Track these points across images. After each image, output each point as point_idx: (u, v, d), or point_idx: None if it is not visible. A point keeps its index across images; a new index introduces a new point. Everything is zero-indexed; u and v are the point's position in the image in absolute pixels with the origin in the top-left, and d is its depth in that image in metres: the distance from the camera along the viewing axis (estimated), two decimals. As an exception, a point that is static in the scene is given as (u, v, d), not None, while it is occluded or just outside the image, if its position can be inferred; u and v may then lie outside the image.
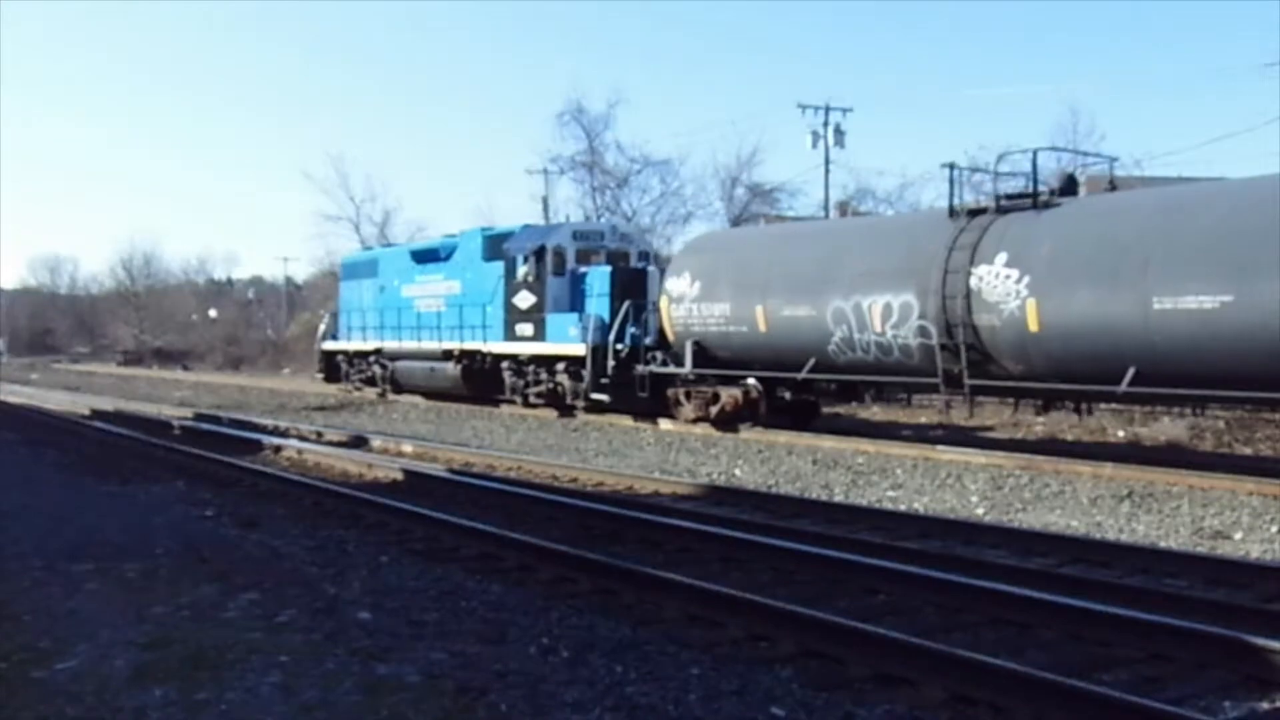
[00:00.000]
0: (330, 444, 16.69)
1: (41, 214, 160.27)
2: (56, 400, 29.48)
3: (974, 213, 14.39)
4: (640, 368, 19.01)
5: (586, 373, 19.75)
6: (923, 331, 14.29)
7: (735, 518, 9.74)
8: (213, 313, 70.96)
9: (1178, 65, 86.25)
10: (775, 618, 6.14)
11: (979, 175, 23.06)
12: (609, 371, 19.46)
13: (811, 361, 16.06)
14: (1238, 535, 9.27)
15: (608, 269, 20.66)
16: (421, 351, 24.80)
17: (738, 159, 42.58)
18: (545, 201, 44.88)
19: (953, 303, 13.73)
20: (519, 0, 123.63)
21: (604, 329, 19.80)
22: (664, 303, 18.63)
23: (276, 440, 16.67)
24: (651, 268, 21.15)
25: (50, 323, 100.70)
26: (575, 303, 20.85)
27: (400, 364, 26.10)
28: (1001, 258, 13.35)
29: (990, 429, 18.17)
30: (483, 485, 11.68)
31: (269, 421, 20.61)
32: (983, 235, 13.77)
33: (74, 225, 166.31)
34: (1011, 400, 16.05)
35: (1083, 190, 14.99)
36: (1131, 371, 12.09)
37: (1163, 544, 8.97)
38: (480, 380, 23.05)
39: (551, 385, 21.18)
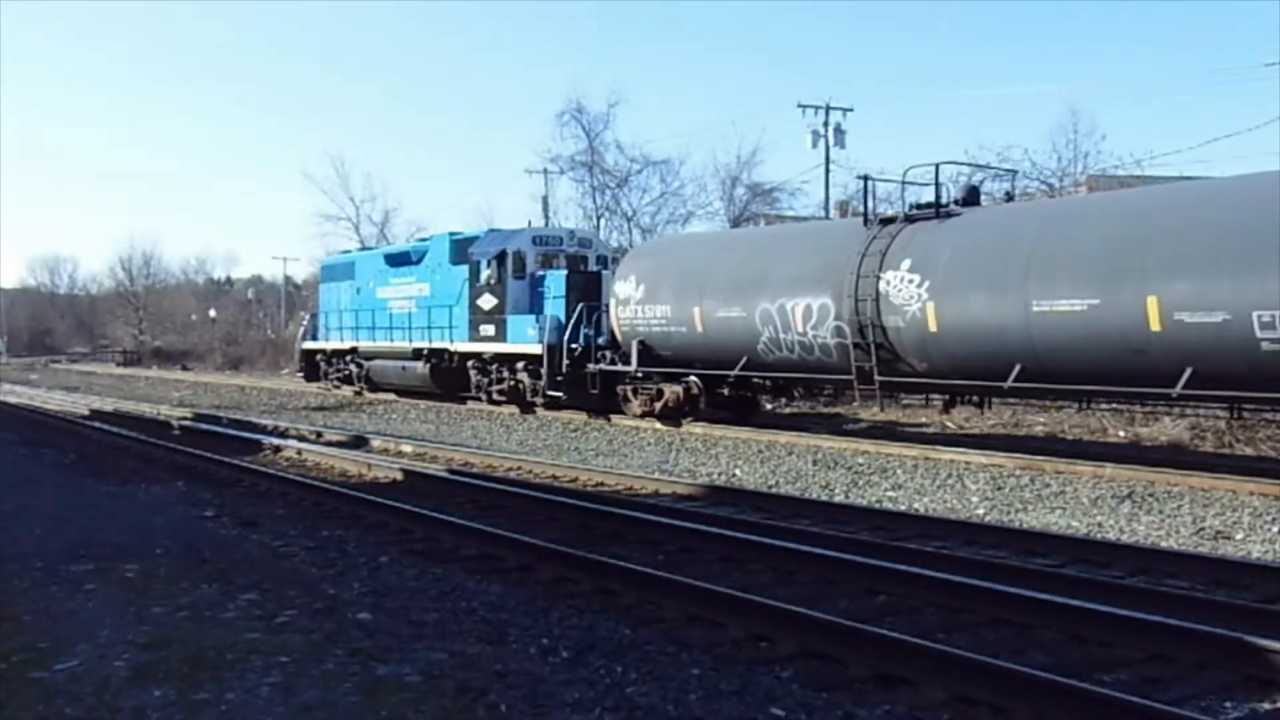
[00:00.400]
0: (330, 444, 16.68)
1: (41, 214, 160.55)
2: (56, 400, 29.47)
3: (885, 221, 15.38)
4: (591, 366, 19.94)
5: (544, 371, 20.61)
6: (839, 332, 15.30)
7: (735, 518, 9.74)
8: (212, 313, 70.90)
9: (1178, 65, 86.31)
10: (776, 618, 6.14)
11: (978, 176, 23.12)
12: (563, 370, 20.30)
13: (744, 360, 17.06)
14: (1239, 535, 9.27)
15: (564, 273, 21.56)
16: (394, 351, 25.82)
17: (738, 159, 42.55)
18: (545, 201, 44.88)
19: (864, 305, 14.76)
20: (519, 0, 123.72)
21: (560, 329, 20.69)
22: (612, 305, 19.56)
23: (276, 440, 16.67)
24: (606, 271, 21.70)
25: (50, 323, 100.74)
26: (534, 304, 21.75)
27: (374, 363, 27.07)
28: (906, 263, 14.38)
29: (978, 432, 18.15)
30: (483, 485, 11.68)
31: (269, 421, 20.60)
32: (891, 243, 14.77)
33: (74, 225, 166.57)
34: (922, 395, 17.38)
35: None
36: (1017, 368, 13.18)
37: (1164, 544, 8.97)
38: (448, 378, 23.99)
39: (513, 383, 22.11)
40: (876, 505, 10.87)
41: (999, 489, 11.69)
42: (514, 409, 21.97)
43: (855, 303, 14.86)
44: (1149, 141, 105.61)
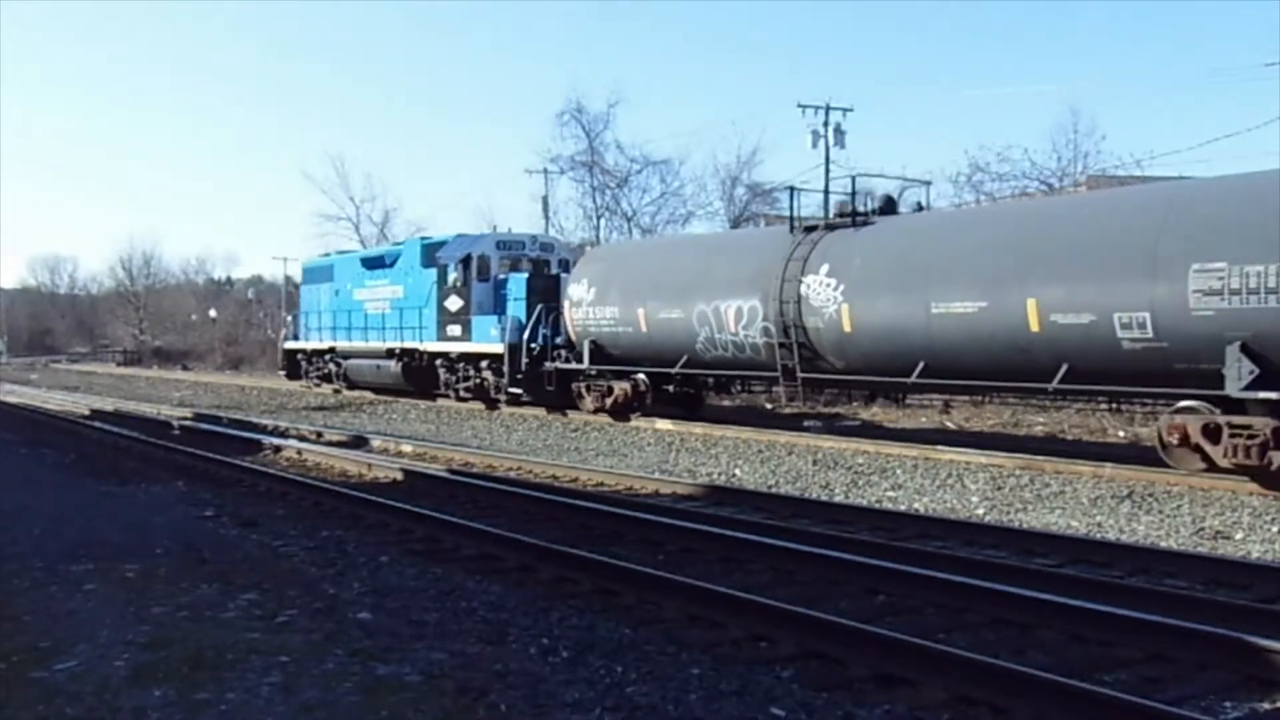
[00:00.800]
0: (330, 444, 16.68)
1: (41, 214, 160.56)
2: (56, 400, 29.47)
3: (809, 229, 16.65)
4: (548, 364, 21.15)
5: (505, 369, 21.78)
6: (766, 331, 16.48)
7: (735, 518, 9.74)
8: (212, 313, 70.91)
9: (1178, 65, 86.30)
10: (776, 618, 6.13)
11: (978, 176, 23.12)
12: (523, 368, 21.51)
13: (684, 358, 18.33)
14: (1239, 535, 9.27)
15: (525, 275, 22.76)
16: (369, 350, 27.02)
17: (738, 159, 42.63)
18: (545, 201, 44.88)
19: (788, 307, 15.95)
20: (519, 0, 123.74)
21: (520, 330, 21.85)
22: (566, 306, 20.73)
23: (276, 440, 16.67)
24: (565, 274, 22.45)
25: (50, 323, 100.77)
26: (497, 306, 22.86)
27: (351, 362, 28.20)
28: (825, 268, 15.57)
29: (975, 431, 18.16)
30: (483, 485, 11.67)
31: (269, 421, 20.60)
32: (812, 249, 15.99)
33: (74, 225, 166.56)
34: (840, 391, 19.29)
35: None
36: (921, 365, 14.34)
37: (1163, 544, 8.97)
38: (419, 376, 25.17)
39: (478, 381, 23.29)
40: (876, 505, 10.87)
41: (999, 489, 11.69)
42: (518, 408, 22.41)
43: (780, 305, 16.03)
44: (1149, 141, 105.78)
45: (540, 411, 21.56)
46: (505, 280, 23.02)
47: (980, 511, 10.52)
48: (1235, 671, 5.39)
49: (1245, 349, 10.97)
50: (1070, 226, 13.21)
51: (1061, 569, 7.79)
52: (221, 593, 6.91)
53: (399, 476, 12.70)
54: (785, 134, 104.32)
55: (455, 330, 23.87)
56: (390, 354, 26.00)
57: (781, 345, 16.17)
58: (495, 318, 22.69)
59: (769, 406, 22.60)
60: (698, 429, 17.76)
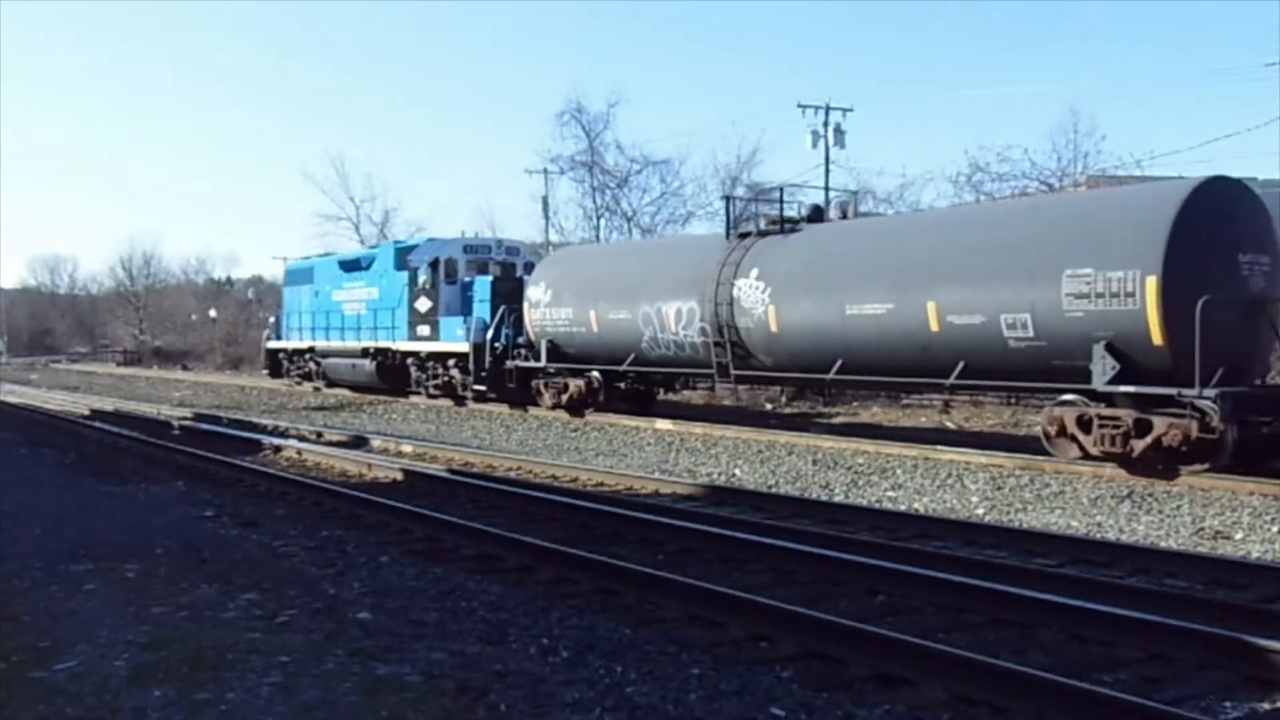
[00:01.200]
0: (330, 444, 16.68)
1: (41, 214, 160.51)
2: (56, 400, 29.47)
3: (743, 235, 17.74)
4: (509, 363, 22.17)
5: (471, 367, 22.82)
6: (703, 331, 17.59)
7: (735, 518, 9.74)
8: (212, 313, 70.82)
9: (1178, 65, 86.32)
10: (776, 618, 6.13)
11: (978, 176, 23.16)
12: (487, 366, 22.48)
13: (632, 356, 19.39)
14: (1238, 535, 9.27)
15: (489, 278, 23.78)
16: (345, 350, 28.07)
17: (738, 159, 42.54)
18: (545, 201, 44.90)
19: (722, 308, 17.05)
20: (519, 0, 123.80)
21: (485, 330, 22.84)
22: (526, 308, 21.75)
23: (276, 440, 16.66)
24: (528, 277, 23.20)
25: (50, 323, 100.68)
26: (464, 307, 23.85)
27: (329, 361, 29.21)
28: (755, 272, 16.65)
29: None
30: (483, 485, 11.67)
31: (269, 421, 20.60)
32: (745, 254, 17.08)
33: (74, 225, 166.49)
34: (771, 386, 20.80)
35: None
36: (839, 362, 15.42)
37: (1163, 544, 8.97)
38: (392, 374, 26.20)
39: (446, 379, 24.24)
40: (876, 505, 10.87)
41: (999, 489, 11.69)
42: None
43: (715, 306, 17.16)
44: (1149, 141, 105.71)
45: (542, 411, 21.61)
46: (471, 283, 23.99)
47: (980, 511, 10.52)
48: (1235, 671, 5.39)
49: (1109, 347, 12.10)
50: (965, 235, 14.43)
51: (1061, 569, 7.79)
52: (221, 593, 6.91)
53: (399, 476, 12.70)
54: (785, 134, 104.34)
55: (425, 330, 24.86)
56: (365, 353, 26.93)
57: (716, 344, 17.28)
58: (461, 318, 23.63)
59: (769, 406, 22.73)
60: (698, 429, 17.77)
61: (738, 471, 13.51)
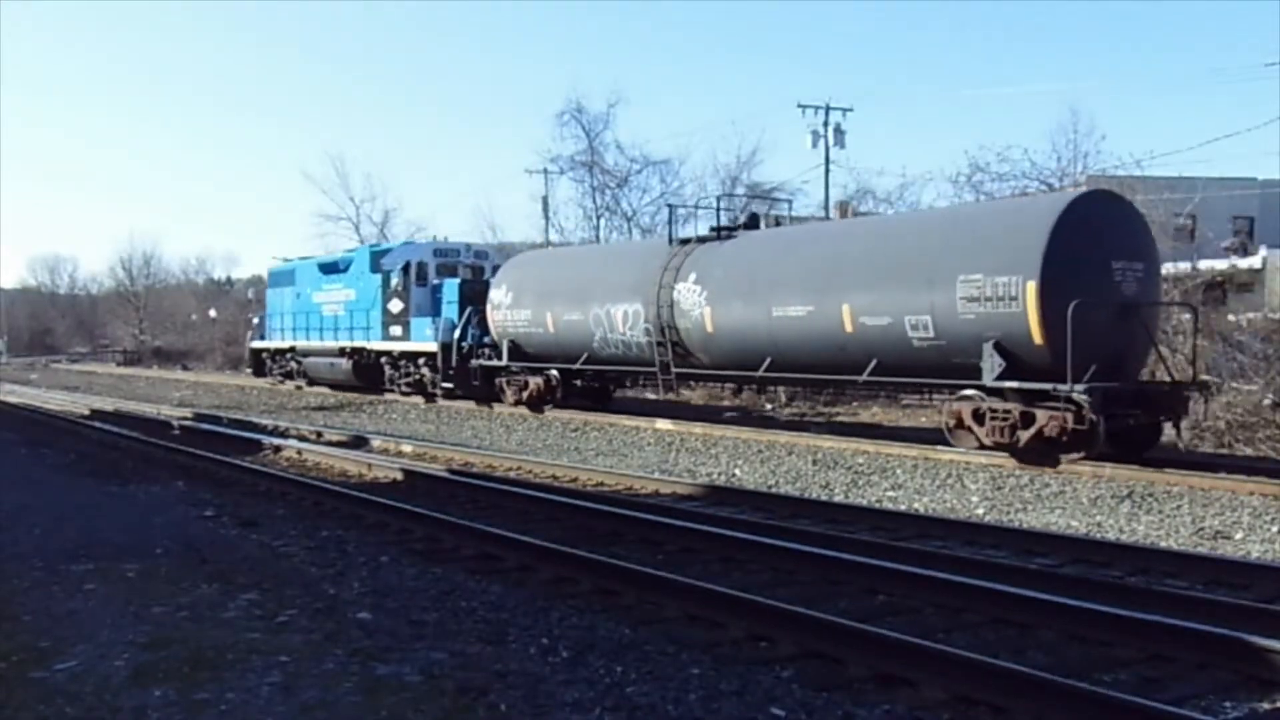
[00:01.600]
0: (330, 444, 16.68)
1: (41, 214, 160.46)
2: (56, 400, 29.46)
3: (684, 242, 18.98)
4: (474, 362, 23.28)
5: (440, 365, 23.91)
6: (647, 332, 18.67)
7: (735, 518, 9.74)
8: (212, 313, 70.79)
9: (1179, 65, 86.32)
10: (775, 618, 6.14)
11: (978, 176, 23.16)
12: (454, 364, 23.56)
13: (585, 355, 20.44)
14: (1238, 535, 9.27)
15: (457, 280, 24.82)
16: (324, 349, 29.28)
17: (738, 159, 42.61)
18: (545, 201, 44.98)
19: (664, 310, 18.17)
20: (519, 0, 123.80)
21: (452, 330, 23.90)
22: (489, 309, 22.74)
23: (276, 440, 16.66)
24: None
25: (50, 323, 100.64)
26: (434, 309, 24.89)
27: (309, 360, 30.40)
28: (693, 276, 17.79)
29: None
30: (483, 485, 11.67)
31: (268, 421, 20.60)
32: (685, 259, 18.24)
33: (74, 225, 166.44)
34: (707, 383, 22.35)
35: None
36: (768, 360, 16.49)
37: (1163, 544, 8.97)
38: (367, 373, 27.36)
39: (417, 376, 25.39)
40: (876, 505, 10.87)
41: (999, 489, 11.70)
42: (525, 409, 22.90)
43: (657, 308, 18.26)
44: (1149, 141, 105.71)
45: (525, 410, 21.72)
46: (440, 285, 25.04)
47: (980, 511, 10.52)
48: (1235, 671, 5.39)
49: (997, 346, 13.18)
50: (875, 243, 15.71)
51: (1061, 569, 7.80)
52: (221, 592, 6.91)
53: (399, 476, 12.70)
54: (785, 134, 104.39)
55: (397, 330, 26.06)
56: (342, 352, 28.12)
57: (659, 344, 18.41)
58: (431, 319, 24.68)
59: (768, 407, 22.74)
60: (697, 429, 17.78)
61: (738, 471, 13.51)
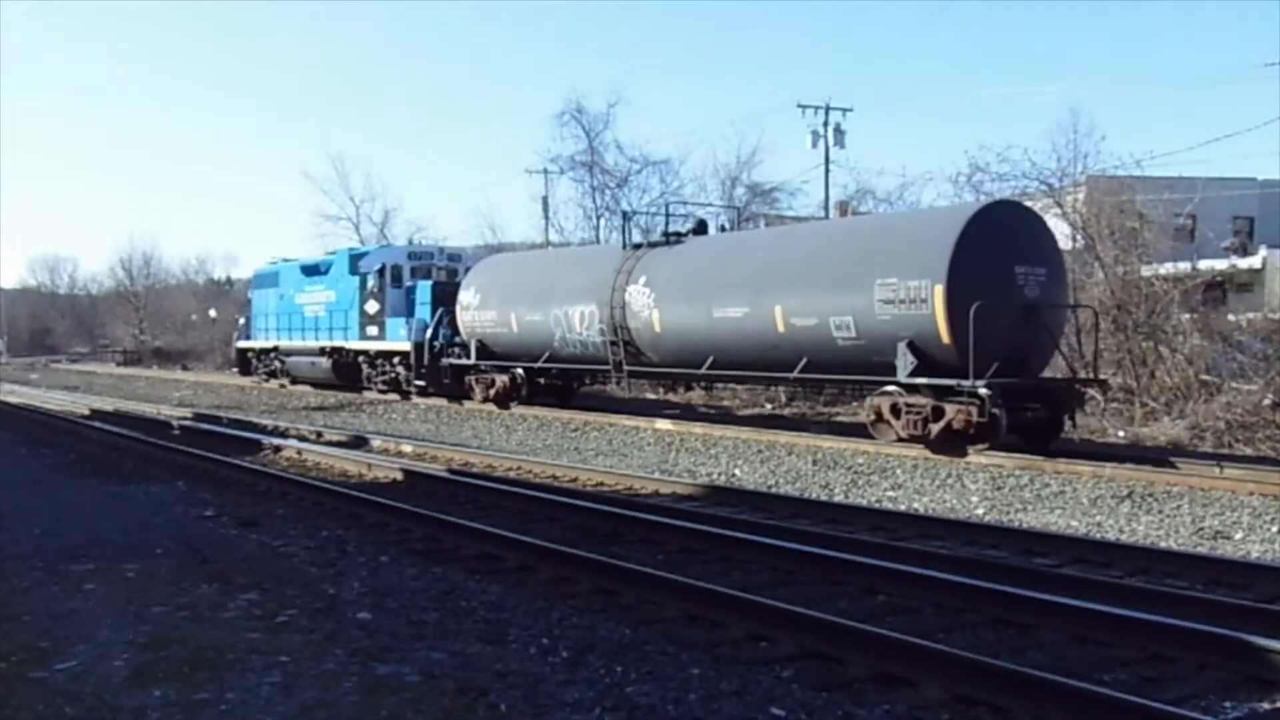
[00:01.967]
0: (330, 444, 16.68)
1: (41, 214, 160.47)
2: (56, 400, 29.46)
3: (637, 246, 19.98)
4: (445, 360, 24.28)
5: (413, 364, 24.95)
6: (602, 332, 19.63)
7: (735, 518, 9.74)
8: (212, 313, 70.74)
9: (1179, 65, 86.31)
10: (775, 618, 6.14)
11: (978, 176, 23.23)
12: (426, 363, 24.61)
13: (546, 354, 21.48)
14: (1238, 535, 9.27)
15: (430, 282, 25.91)
16: (306, 348, 30.40)
17: (738, 159, 42.53)
18: (545, 201, 44.98)
19: (617, 311, 19.16)
20: (519, 0, 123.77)
21: (424, 330, 24.89)
22: (458, 310, 23.72)
23: (276, 440, 16.66)
24: None
25: (50, 322, 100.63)
26: (408, 309, 25.88)
27: (291, 359, 31.46)
28: (643, 279, 18.83)
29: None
30: (483, 485, 11.67)
31: (268, 421, 20.60)
32: (636, 263, 19.26)
33: (74, 226, 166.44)
34: (662, 381, 23.35)
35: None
36: (710, 359, 17.54)
37: (1163, 544, 8.97)
38: (346, 371, 28.41)
39: (393, 375, 26.43)
40: (876, 505, 10.87)
41: (999, 489, 11.70)
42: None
43: (611, 309, 19.24)
44: (1149, 142, 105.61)
45: (539, 410, 21.70)
46: (414, 287, 26.07)
47: (980, 511, 10.52)
48: (1235, 671, 5.39)
49: (910, 345, 14.13)
50: (803, 249, 16.88)
51: (1061, 569, 7.80)
52: (221, 592, 6.91)
53: (399, 476, 12.70)
54: (785, 134, 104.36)
55: (373, 331, 27.09)
56: (323, 351, 29.25)
57: (612, 343, 19.41)
58: (405, 320, 25.66)
59: (768, 406, 22.78)
60: (698, 429, 17.78)
61: (738, 471, 13.51)
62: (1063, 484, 11.87)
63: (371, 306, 27.14)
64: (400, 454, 15.45)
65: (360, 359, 27.86)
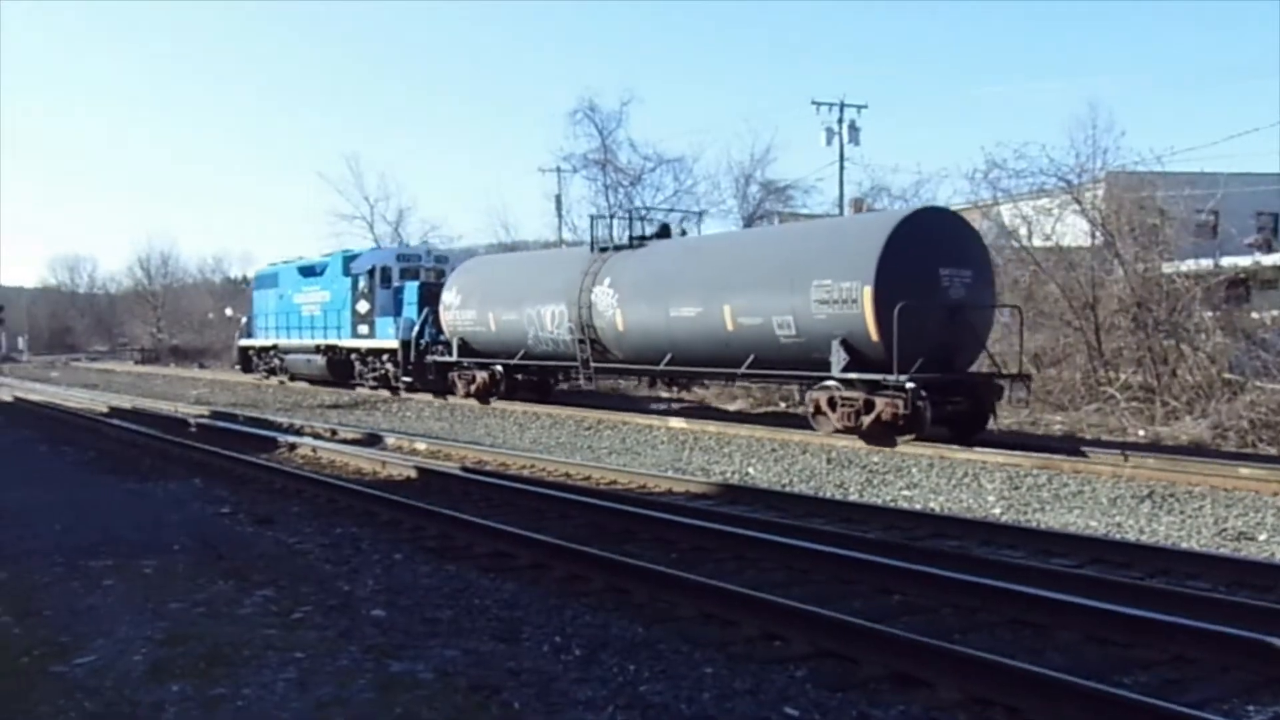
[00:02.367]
0: (345, 442, 16.72)
1: (61, 214, 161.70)
2: (76, 398, 29.65)
3: (603, 249, 20.96)
4: (430, 357, 25.51)
5: (400, 361, 26.23)
6: (571, 330, 20.69)
7: (749, 516, 9.71)
8: (229, 311, 71.08)
9: (1202, 59, 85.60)
10: (789, 617, 6.11)
11: (995, 173, 23.13)
12: (412, 360, 25.84)
13: (522, 351, 22.63)
14: (1262, 536, 9.17)
15: (417, 283, 27.21)
16: (302, 346, 31.85)
17: (751, 156, 42.46)
18: (558, 200, 45.04)
19: (584, 311, 20.25)
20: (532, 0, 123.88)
21: (411, 328, 26.14)
22: (441, 309, 24.85)
23: (291, 438, 16.72)
24: None
25: (70, 321, 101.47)
26: (396, 309, 27.17)
27: (289, 356, 32.82)
28: (608, 281, 19.90)
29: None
30: (496, 483, 11.67)
31: (284, 419, 20.68)
32: (602, 266, 20.30)
33: (93, 226, 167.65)
34: (628, 376, 23.57)
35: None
36: (668, 356, 18.67)
37: (1185, 545, 8.89)
38: (339, 368, 29.78)
39: (382, 371, 27.63)
40: (891, 504, 10.81)
41: (1016, 488, 11.62)
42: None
43: (579, 309, 20.31)
44: (1170, 137, 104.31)
45: (552, 409, 21.73)
46: (402, 288, 27.34)
47: (997, 511, 10.46)
48: (1258, 674, 5.33)
49: (844, 343, 15.19)
50: (749, 252, 18.16)
51: (1080, 569, 7.72)
52: (237, 589, 6.93)
53: (413, 474, 12.72)
54: (799, 131, 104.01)
55: (364, 329, 28.40)
56: (318, 349, 30.65)
57: (580, 341, 20.45)
58: (393, 319, 26.95)
59: (783, 405, 22.72)
60: (711, 427, 17.74)
61: (751, 470, 13.47)
62: (1081, 483, 11.78)
63: (362, 306, 28.41)
64: (414, 452, 15.48)
65: (352, 356, 29.12)
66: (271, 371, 34.70)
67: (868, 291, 14.74)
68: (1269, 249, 27.45)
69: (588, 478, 12.64)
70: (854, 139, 37.84)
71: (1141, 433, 17.03)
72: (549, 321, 21.45)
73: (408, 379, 26.10)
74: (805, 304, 15.66)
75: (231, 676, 5.12)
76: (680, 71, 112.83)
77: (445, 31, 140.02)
